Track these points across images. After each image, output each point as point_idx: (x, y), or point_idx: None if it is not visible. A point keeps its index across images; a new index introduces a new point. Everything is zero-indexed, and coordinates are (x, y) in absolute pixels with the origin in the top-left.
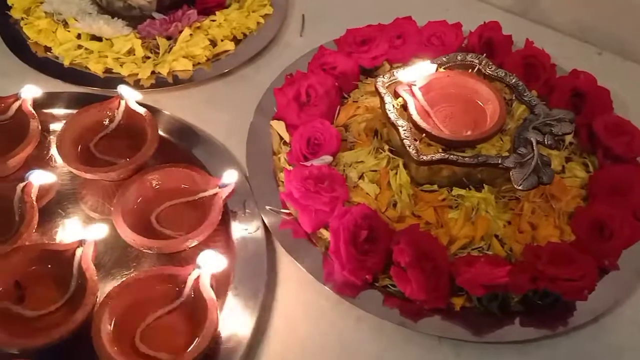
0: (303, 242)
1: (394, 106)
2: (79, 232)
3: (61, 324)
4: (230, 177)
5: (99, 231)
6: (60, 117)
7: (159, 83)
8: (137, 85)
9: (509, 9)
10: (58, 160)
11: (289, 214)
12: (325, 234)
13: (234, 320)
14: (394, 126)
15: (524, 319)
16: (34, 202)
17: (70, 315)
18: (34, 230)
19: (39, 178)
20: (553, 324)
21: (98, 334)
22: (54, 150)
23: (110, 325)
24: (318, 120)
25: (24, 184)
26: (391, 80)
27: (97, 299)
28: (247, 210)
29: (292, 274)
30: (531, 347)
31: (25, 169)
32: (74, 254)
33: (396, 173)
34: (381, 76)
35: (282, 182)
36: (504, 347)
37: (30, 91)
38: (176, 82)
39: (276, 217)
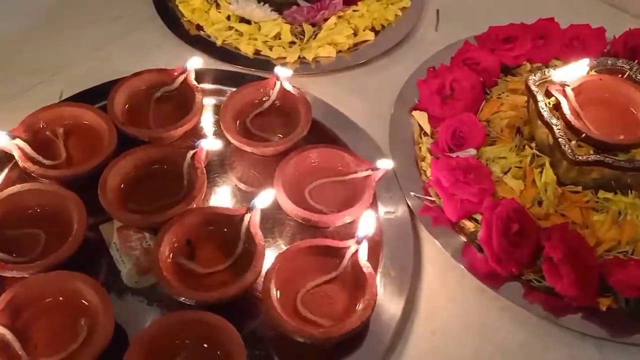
0: (445, 229)
1: (546, 105)
2: (249, 199)
3: (230, 283)
4: (385, 164)
5: (266, 199)
6: (208, 91)
7: (303, 68)
8: None
9: None
10: (211, 132)
11: (432, 202)
12: (468, 224)
13: (385, 297)
14: (548, 125)
15: None
16: (204, 168)
17: (238, 276)
18: (202, 195)
19: (208, 145)
20: None
21: (267, 294)
22: (204, 122)
23: (277, 288)
24: (465, 114)
25: (194, 151)
26: (542, 79)
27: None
28: (390, 193)
29: (435, 258)
30: None
31: (184, 138)
32: (242, 219)
33: (541, 171)
34: (533, 74)
35: (424, 170)
36: None
37: (195, 63)
38: (319, 68)
39: (417, 203)
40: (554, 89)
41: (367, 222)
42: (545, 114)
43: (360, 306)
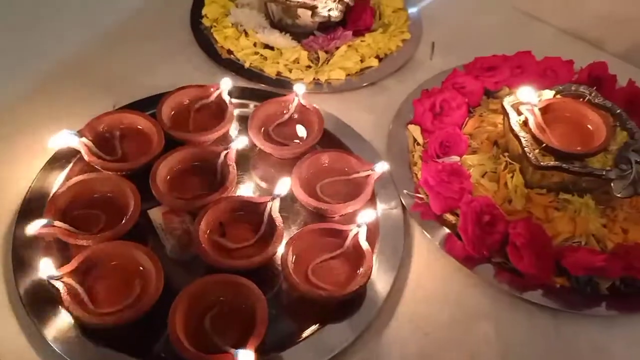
0: (431, 222)
1: (517, 121)
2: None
3: (256, 254)
4: (382, 166)
5: (285, 187)
6: (237, 104)
7: (317, 88)
8: None
9: (621, 55)
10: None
11: (421, 199)
12: (450, 217)
13: (379, 273)
14: (517, 137)
15: (609, 301)
16: (234, 165)
17: (263, 249)
18: (233, 186)
19: (237, 146)
20: (633, 308)
21: (285, 262)
22: (234, 129)
23: (292, 259)
24: (451, 128)
25: (226, 151)
26: (515, 101)
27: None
28: (387, 191)
29: (422, 245)
30: (615, 324)
31: (218, 141)
32: (265, 206)
33: (512, 176)
34: (508, 96)
35: (416, 174)
36: (591, 319)
37: (227, 83)
38: (330, 88)
39: (409, 200)
40: (524, 108)
41: (366, 212)
42: (516, 128)
43: (358, 275)
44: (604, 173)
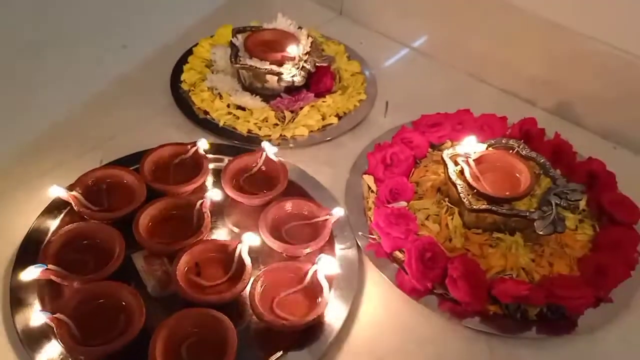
0: (383, 260)
1: (454, 171)
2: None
3: (227, 290)
4: (338, 211)
5: (253, 239)
6: (212, 159)
7: (283, 143)
8: None
9: (551, 110)
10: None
11: (374, 239)
12: (399, 255)
13: (335, 306)
14: (454, 184)
15: (539, 326)
16: (209, 213)
17: (233, 286)
18: (207, 231)
19: (211, 197)
20: (559, 331)
21: (252, 296)
22: (209, 181)
23: (259, 294)
24: (400, 177)
25: (201, 200)
26: (453, 153)
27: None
28: (345, 233)
29: (375, 280)
30: (542, 345)
31: (194, 192)
32: (235, 248)
33: (452, 218)
34: (446, 149)
35: (370, 218)
36: (523, 341)
37: (203, 143)
38: (295, 143)
39: (364, 241)
40: (460, 159)
41: (324, 253)
42: (453, 177)
43: (316, 306)
44: (527, 214)
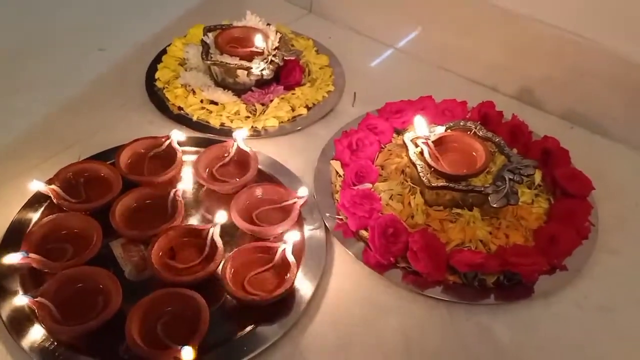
0: (350, 240)
1: (414, 152)
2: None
3: (200, 271)
4: (303, 191)
5: (222, 218)
6: (189, 152)
7: (255, 134)
8: None
9: (512, 95)
10: (188, 178)
11: (341, 220)
12: (365, 233)
13: (304, 283)
14: (414, 164)
15: (496, 293)
16: (182, 201)
17: (206, 266)
18: (181, 218)
19: (184, 186)
20: (516, 297)
21: (224, 275)
22: (184, 173)
23: (231, 273)
24: (365, 161)
25: (175, 190)
26: (414, 136)
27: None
28: (314, 215)
29: (342, 258)
30: (499, 310)
31: (170, 182)
32: (208, 232)
33: (414, 197)
34: (407, 133)
35: (337, 200)
36: (480, 308)
37: (177, 134)
38: (266, 134)
39: (332, 222)
40: (420, 141)
41: (292, 232)
42: (413, 157)
43: (285, 283)
44: (482, 189)
